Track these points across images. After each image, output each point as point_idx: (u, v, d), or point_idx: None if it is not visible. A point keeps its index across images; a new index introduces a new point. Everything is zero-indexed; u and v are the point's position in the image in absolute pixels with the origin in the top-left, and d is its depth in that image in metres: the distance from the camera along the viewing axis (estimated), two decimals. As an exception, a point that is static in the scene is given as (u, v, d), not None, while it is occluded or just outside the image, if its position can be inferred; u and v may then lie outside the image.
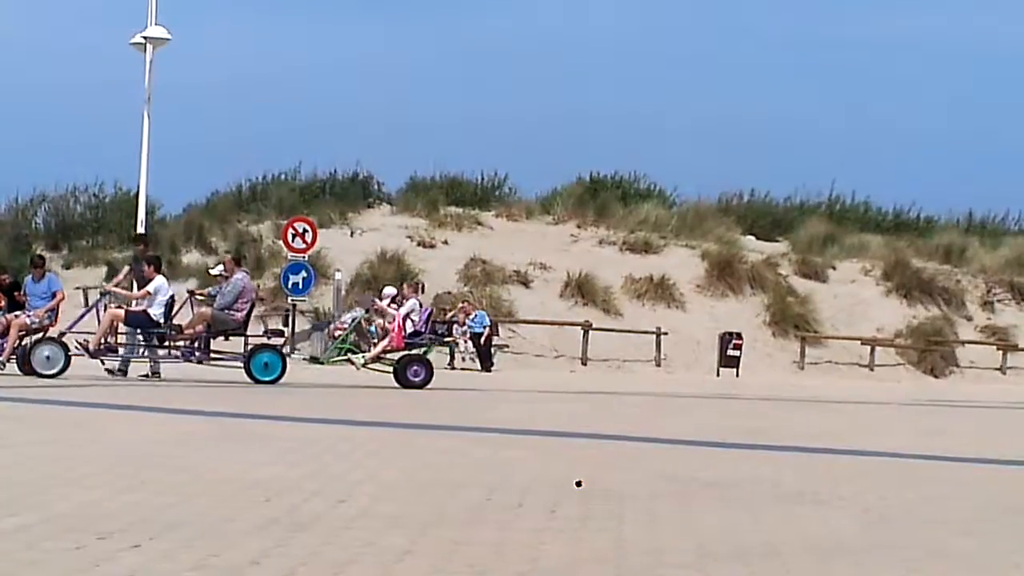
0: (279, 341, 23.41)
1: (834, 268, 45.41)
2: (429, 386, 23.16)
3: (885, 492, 9.95)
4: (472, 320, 35.92)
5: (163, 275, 23.13)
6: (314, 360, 24.37)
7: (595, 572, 6.38)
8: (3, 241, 42.18)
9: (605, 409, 20.77)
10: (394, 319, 23.73)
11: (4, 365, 22.30)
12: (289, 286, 35.97)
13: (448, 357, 35.80)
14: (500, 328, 37.37)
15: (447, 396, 22.43)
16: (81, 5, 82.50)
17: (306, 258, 36.61)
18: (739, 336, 38.78)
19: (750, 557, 6.90)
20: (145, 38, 33.75)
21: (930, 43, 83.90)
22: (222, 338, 23.29)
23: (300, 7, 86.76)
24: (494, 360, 35.88)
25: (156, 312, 22.40)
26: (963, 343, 43.01)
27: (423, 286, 26.50)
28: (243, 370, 22.52)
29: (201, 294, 24.24)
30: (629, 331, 39.45)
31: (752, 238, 47.52)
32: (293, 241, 36.77)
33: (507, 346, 37.70)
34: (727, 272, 43.27)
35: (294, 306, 35.82)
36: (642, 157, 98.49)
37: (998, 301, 45.78)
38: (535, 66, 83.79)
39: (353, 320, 24.84)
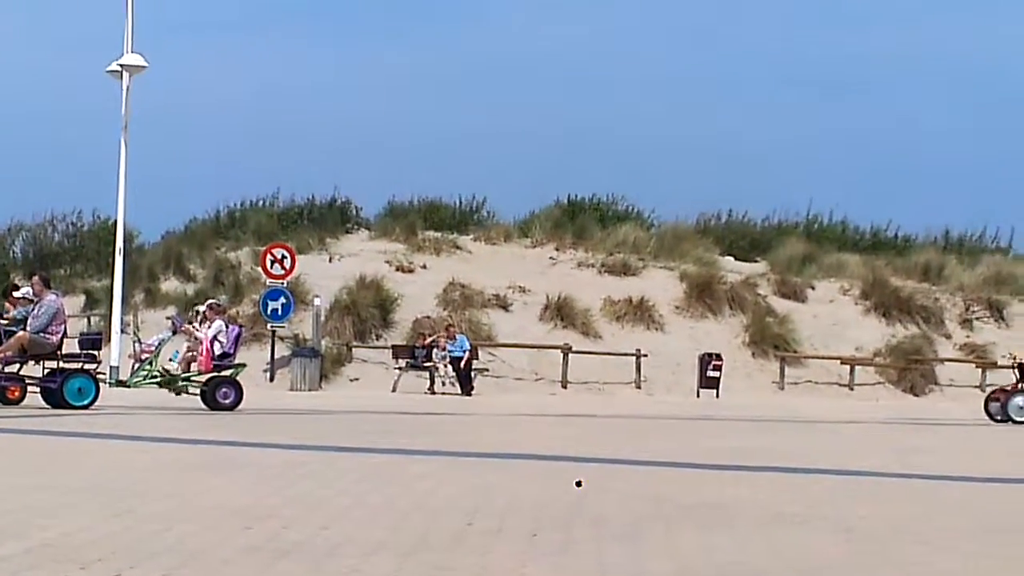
0: (92, 366, 22.53)
1: (812, 288, 45.45)
2: (239, 407, 22.45)
3: (866, 511, 9.97)
4: (452, 344, 35.92)
5: None
6: (120, 383, 23.84)
7: (578, 596, 6.38)
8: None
9: (586, 432, 20.76)
10: (201, 341, 23.36)
11: None
12: (268, 312, 35.95)
13: (428, 382, 35.78)
14: (480, 352, 37.34)
15: (428, 421, 22.42)
16: (57, 34, 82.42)
17: (285, 284, 36.59)
18: (719, 357, 38.75)
19: (733, 578, 6.91)
20: (121, 66, 33.74)
21: (906, 60, 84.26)
22: (33, 362, 22.12)
23: (275, 32, 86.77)
24: (474, 384, 35.88)
25: None
26: (942, 361, 43.05)
27: (225, 308, 25.95)
28: (41, 395, 21.72)
29: (5, 318, 22.62)
30: (609, 353, 39.41)
31: (730, 259, 47.52)
32: (272, 267, 36.77)
33: (487, 370, 37.67)
34: (706, 293, 43.28)
35: (273, 332, 35.79)
36: (620, 179, 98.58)
37: (977, 319, 45.85)
38: (512, 89, 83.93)
39: (160, 342, 24.33)
